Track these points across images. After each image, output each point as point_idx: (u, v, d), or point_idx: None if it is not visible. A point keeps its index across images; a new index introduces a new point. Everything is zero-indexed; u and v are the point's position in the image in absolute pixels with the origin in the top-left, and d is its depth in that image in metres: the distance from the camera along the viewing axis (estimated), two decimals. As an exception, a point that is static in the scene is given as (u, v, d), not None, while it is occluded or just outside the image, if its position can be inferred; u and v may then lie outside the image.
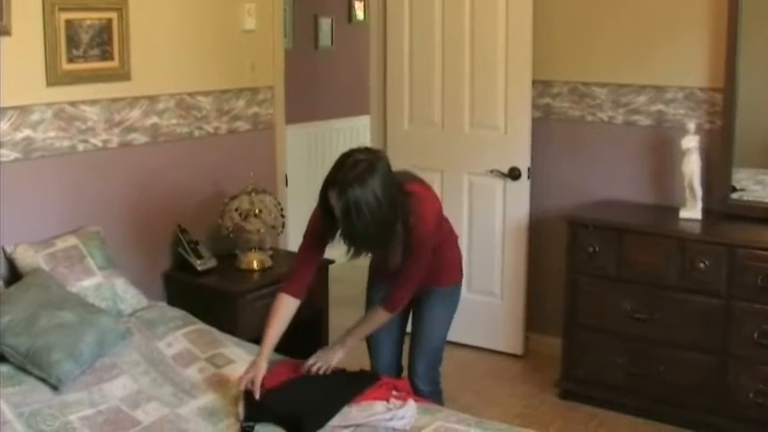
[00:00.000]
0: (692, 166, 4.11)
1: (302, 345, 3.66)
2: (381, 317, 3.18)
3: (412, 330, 3.42)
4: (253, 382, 2.90)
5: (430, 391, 3.37)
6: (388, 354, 3.41)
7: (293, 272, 3.17)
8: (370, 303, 3.43)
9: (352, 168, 2.82)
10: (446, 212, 3.30)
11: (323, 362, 3.12)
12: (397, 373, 3.47)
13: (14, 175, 3.42)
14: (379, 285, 3.35)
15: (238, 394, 2.93)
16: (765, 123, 4.28)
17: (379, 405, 2.86)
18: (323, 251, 3.19)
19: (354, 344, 3.21)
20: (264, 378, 2.98)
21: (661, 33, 4.36)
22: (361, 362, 3.41)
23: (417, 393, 3.18)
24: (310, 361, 3.13)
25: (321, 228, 3.03)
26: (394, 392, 2.95)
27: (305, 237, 3.17)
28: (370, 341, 3.44)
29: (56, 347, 2.92)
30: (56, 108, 3.56)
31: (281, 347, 3.36)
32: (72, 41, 3.56)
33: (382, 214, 2.84)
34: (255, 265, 4.04)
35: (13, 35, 3.36)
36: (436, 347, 3.40)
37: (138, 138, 3.88)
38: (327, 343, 4.20)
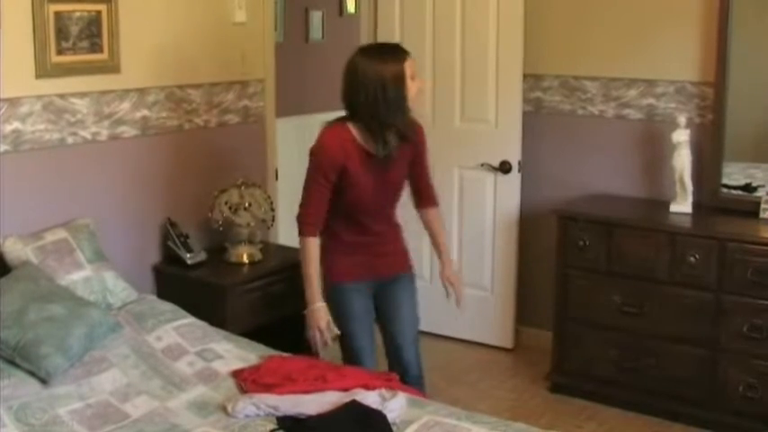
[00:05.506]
0: (683, 161, 4.12)
1: (285, 339, 3.66)
2: (439, 216, 3.59)
3: (391, 322, 3.42)
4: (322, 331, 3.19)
5: (418, 377, 3.41)
6: (370, 355, 3.37)
7: (310, 213, 3.23)
8: (346, 299, 3.34)
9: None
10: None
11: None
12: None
13: (3, 167, 3.40)
14: (357, 281, 3.32)
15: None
16: (756, 117, 4.29)
17: (372, 394, 2.85)
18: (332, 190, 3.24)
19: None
20: (258, 374, 2.99)
21: (652, 27, 4.36)
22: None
23: (406, 381, 3.19)
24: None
25: (341, 156, 3.31)
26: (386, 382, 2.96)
27: (312, 180, 3.26)
28: (352, 350, 3.34)
29: (45, 341, 2.90)
30: (45, 100, 3.54)
31: (264, 341, 3.36)
32: (61, 33, 3.54)
33: None
34: (245, 258, 4.03)
35: (2, 27, 3.34)
36: (417, 329, 3.47)
37: (128, 131, 3.87)
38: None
